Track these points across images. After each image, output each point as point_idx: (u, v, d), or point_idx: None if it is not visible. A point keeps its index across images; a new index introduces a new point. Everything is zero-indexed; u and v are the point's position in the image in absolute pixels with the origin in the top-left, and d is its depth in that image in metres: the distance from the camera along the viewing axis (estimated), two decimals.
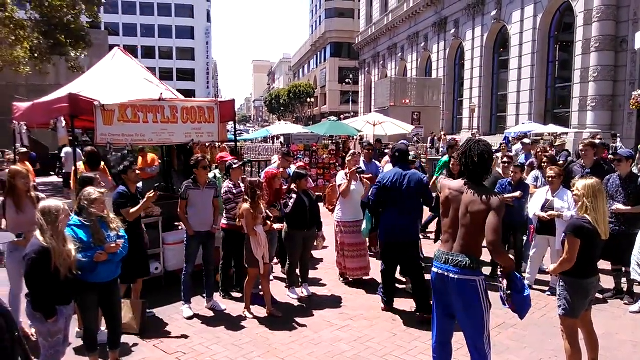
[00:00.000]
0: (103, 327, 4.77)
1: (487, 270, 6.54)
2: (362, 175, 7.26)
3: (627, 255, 6.06)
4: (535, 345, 5.09)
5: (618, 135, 19.05)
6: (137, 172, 5.84)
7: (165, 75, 76.07)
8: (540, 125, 23.27)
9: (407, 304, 6.24)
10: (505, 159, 7.87)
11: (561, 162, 9.20)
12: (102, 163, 7.12)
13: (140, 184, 6.48)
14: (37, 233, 3.82)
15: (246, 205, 5.75)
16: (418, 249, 6.07)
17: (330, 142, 18.64)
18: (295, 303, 6.43)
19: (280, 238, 6.84)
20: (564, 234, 4.15)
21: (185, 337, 5.35)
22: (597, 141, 9.64)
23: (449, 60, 37.72)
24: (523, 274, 6.87)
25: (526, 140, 12.97)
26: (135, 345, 5.11)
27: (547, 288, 6.71)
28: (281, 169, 7.46)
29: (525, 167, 8.63)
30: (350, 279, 7.19)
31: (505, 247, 7.08)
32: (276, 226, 6.24)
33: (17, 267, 4.61)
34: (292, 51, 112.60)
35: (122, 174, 5.71)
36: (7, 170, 5.76)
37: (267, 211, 6.11)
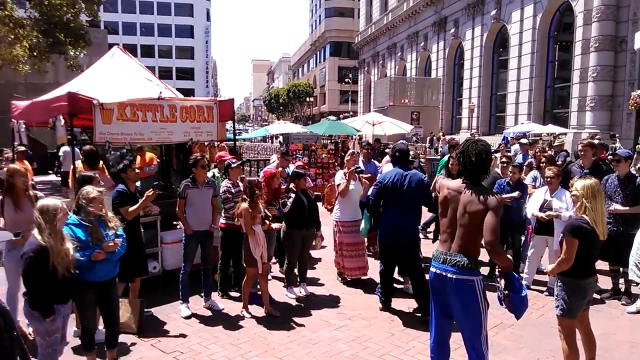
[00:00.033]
0: (101, 327, 4.78)
1: (485, 270, 6.54)
2: (360, 175, 7.26)
3: (625, 256, 6.07)
4: (532, 346, 5.10)
5: (617, 135, 19.06)
6: (137, 170, 5.84)
7: (164, 74, 75.99)
8: (539, 125, 23.27)
9: (405, 304, 6.24)
10: (503, 159, 7.88)
11: (560, 162, 9.20)
12: (101, 162, 7.11)
13: (138, 183, 6.49)
14: (35, 232, 3.81)
15: (245, 205, 5.75)
16: (419, 249, 6.06)
17: (329, 141, 18.62)
18: (294, 303, 6.43)
19: (279, 237, 6.84)
20: (562, 234, 4.16)
21: (183, 336, 5.35)
22: (596, 141, 9.64)
23: (448, 60, 37.70)
24: (521, 274, 6.88)
25: (523, 141, 12.99)
26: (133, 344, 5.11)
27: (544, 288, 6.72)
28: (280, 168, 7.47)
29: (524, 167, 8.64)
30: (349, 279, 7.19)
31: (503, 247, 7.08)
32: (274, 225, 6.23)
33: (15, 266, 4.61)
34: (292, 50, 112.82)
35: (121, 172, 5.72)
36: (5, 169, 5.75)
37: (266, 210, 6.11)
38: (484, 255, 3.88)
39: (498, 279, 3.68)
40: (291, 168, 7.48)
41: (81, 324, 4.55)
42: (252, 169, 17.48)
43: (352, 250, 7.06)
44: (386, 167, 7.08)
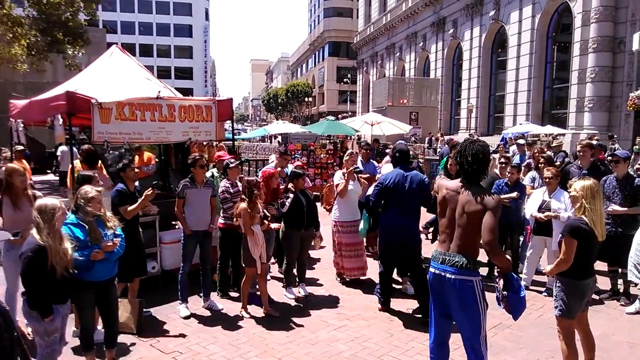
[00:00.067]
0: (100, 327, 4.77)
1: (484, 271, 6.55)
2: (359, 175, 7.25)
3: (624, 257, 6.07)
4: (531, 346, 5.10)
5: (615, 136, 19.10)
6: (136, 170, 5.84)
7: (163, 73, 75.87)
8: (537, 126, 23.33)
9: (403, 305, 6.24)
10: (502, 160, 7.88)
11: (558, 163, 9.22)
12: (99, 161, 7.09)
13: (137, 183, 6.47)
14: (34, 231, 3.80)
15: (243, 205, 5.75)
16: (420, 250, 6.05)
17: (327, 141, 18.62)
18: (293, 303, 6.42)
19: (278, 238, 6.83)
20: (560, 235, 4.16)
21: (182, 336, 5.34)
22: (595, 142, 9.66)
23: (447, 60, 37.75)
24: (520, 275, 6.88)
25: (520, 141, 13.02)
26: (132, 344, 5.10)
27: (543, 289, 6.72)
28: (279, 168, 7.46)
29: (523, 167, 8.65)
30: (348, 279, 7.19)
31: (502, 247, 7.08)
32: (273, 226, 6.23)
33: (14, 266, 4.60)
34: (291, 50, 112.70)
35: (120, 171, 5.71)
36: (4, 168, 5.74)
37: (265, 210, 6.10)
38: (482, 256, 3.87)
39: (497, 279, 3.68)
40: (290, 168, 7.47)
41: (80, 324, 4.54)
42: (251, 168, 17.49)
43: (351, 251, 7.06)
44: (385, 168, 7.08)
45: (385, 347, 5.09)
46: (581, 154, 7.40)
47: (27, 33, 18.51)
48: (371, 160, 9.01)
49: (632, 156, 10.36)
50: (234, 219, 5.96)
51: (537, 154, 8.96)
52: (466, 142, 3.77)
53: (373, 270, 7.22)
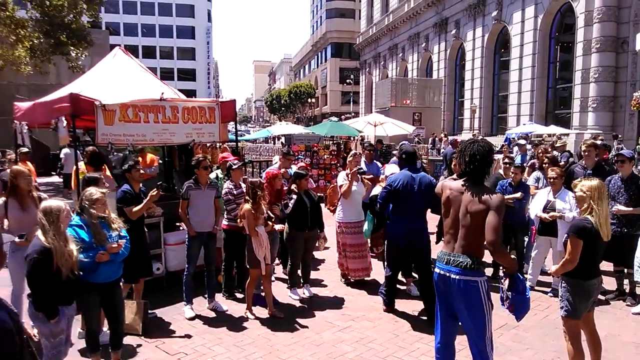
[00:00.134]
0: (105, 328, 4.77)
1: (489, 272, 6.53)
2: (363, 176, 7.25)
3: (630, 257, 6.05)
4: (537, 347, 5.08)
5: (619, 136, 19.06)
6: (141, 171, 5.85)
7: (166, 75, 76.08)
8: (541, 126, 23.30)
9: (409, 306, 6.23)
10: (506, 160, 7.87)
11: (562, 163, 9.19)
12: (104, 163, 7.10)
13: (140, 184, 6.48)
14: (39, 233, 3.81)
15: (247, 206, 5.75)
16: (430, 251, 6.03)
17: (331, 142, 18.62)
18: (297, 304, 6.42)
19: (282, 239, 6.83)
20: (566, 235, 4.15)
21: (187, 337, 5.34)
22: (599, 142, 9.63)
23: (449, 60, 37.72)
24: (525, 275, 6.86)
25: (521, 142, 13.03)
26: (137, 346, 5.11)
27: (549, 289, 6.70)
28: (282, 169, 7.45)
29: (527, 168, 8.63)
30: (352, 280, 7.18)
31: (506, 248, 7.06)
32: (277, 227, 6.23)
33: (20, 267, 4.60)
34: (293, 51, 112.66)
35: (126, 172, 5.73)
36: (9, 170, 5.75)
37: (269, 211, 6.09)
38: (488, 256, 3.86)
39: (502, 280, 3.67)
40: (293, 169, 7.47)
41: (86, 325, 4.55)
42: (255, 170, 17.50)
43: (356, 252, 7.05)
44: (388, 168, 7.05)
45: (390, 348, 5.08)
46: (586, 153, 7.38)
47: (31, 35, 18.59)
48: (375, 161, 9.00)
49: (637, 156, 10.31)
50: (238, 221, 5.96)
51: (541, 154, 8.95)
52: (468, 142, 3.76)
53: (377, 271, 7.21)
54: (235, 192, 6.32)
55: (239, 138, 8.97)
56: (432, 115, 33.65)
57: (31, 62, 19.19)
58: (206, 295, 6.23)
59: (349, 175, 7.00)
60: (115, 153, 7.49)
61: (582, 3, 22.96)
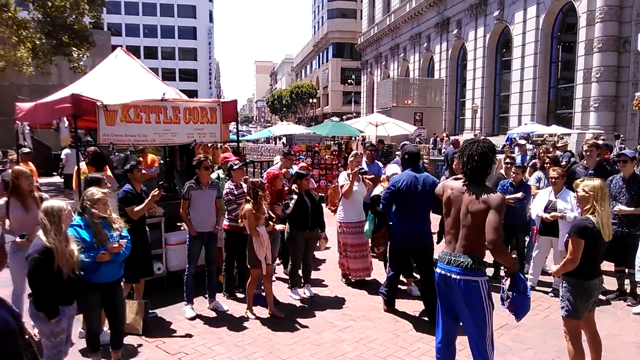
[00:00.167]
0: (106, 328, 4.78)
1: (490, 272, 6.52)
2: (364, 176, 7.25)
3: (631, 257, 6.04)
4: (537, 347, 5.08)
5: (621, 136, 19.03)
6: (143, 171, 5.87)
7: (167, 75, 76.13)
8: (543, 126, 23.27)
9: (410, 306, 6.23)
10: (507, 160, 7.86)
11: (564, 163, 9.18)
12: (106, 163, 7.12)
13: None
14: (40, 233, 3.82)
15: (248, 206, 5.75)
16: (432, 251, 6.03)
17: (332, 142, 18.63)
18: (298, 304, 6.42)
19: (283, 239, 6.84)
20: (567, 235, 4.14)
21: (187, 337, 5.35)
22: (601, 142, 9.62)
23: (451, 60, 37.70)
24: (526, 275, 6.86)
25: (521, 142, 13.04)
26: (138, 345, 5.12)
27: (550, 289, 6.70)
28: (283, 170, 7.46)
29: (528, 167, 8.62)
30: (353, 280, 7.18)
31: (507, 248, 7.06)
32: (278, 227, 6.23)
33: (21, 267, 4.61)
34: (295, 52, 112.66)
35: (127, 172, 5.74)
36: (10, 171, 5.77)
37: (270, 211, 6.10)
38: (489, 257, 3.86)
39: (503, 279, 3.67)
40: (294, 169, 7.47)
41: (86, 325, 4.56)
42: (256, 170, 17.51)
43: (357, 252, 7.05)
44: (390, 168, 7.05)
45: (391, 347, 5.08)
46: (587, 153, 7.37)
47: (33, 36, 18.63)
48: (376, 161, 9.00)
49: (638, 156, 10.28)
50: (239, 221, 5.97)
51: (542, 154, 8.93)
52: (469, 142, 3.76)
53: (378, 271, 7.21)
54: (236, 192, 6.33)
55: (240, 138, 8.98)
56: (433, 115, 33.65)
57: (33, 63, 19.23)
58: (207, 295, 6.24)
59: (350, 176, 7.00)
60: (116, 153, 7.50)
61: (584, 3, 22.94)
